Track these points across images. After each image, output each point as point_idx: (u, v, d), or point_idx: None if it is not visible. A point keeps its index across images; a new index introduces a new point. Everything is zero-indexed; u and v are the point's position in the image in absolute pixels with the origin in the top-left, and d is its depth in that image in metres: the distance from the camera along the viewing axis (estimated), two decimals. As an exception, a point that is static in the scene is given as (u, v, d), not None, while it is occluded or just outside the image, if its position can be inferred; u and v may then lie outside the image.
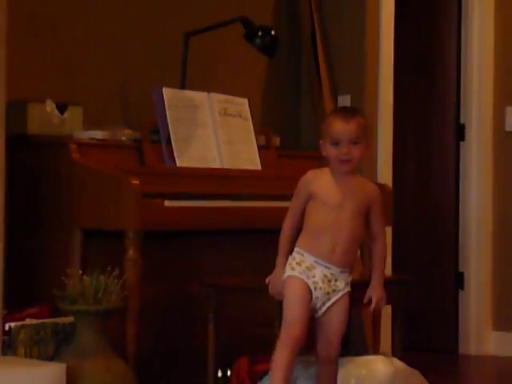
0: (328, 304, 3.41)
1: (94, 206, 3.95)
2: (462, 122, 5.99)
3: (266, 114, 5.27)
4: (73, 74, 4.52)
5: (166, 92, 4.36)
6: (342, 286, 3.41)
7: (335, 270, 3.39)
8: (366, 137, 3.43)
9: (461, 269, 5.95)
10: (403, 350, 4.21)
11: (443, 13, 6.08)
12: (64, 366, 3.50)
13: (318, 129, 5.35)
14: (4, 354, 3.64)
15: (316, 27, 5.41)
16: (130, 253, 3.83)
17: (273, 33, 4.74)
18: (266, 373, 4.08)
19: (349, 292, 3.45)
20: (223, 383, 4.21)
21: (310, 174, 3.50)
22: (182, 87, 4.61)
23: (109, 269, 3.70)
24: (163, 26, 4.83)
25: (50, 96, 4.23)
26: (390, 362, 3.94)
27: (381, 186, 5.01)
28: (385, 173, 5.40)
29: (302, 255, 3.39)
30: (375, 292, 3.51)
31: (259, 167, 4.62)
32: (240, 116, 4.64)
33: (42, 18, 4.43)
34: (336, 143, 3.37)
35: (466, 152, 5.95)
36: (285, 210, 4.39)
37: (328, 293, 3.39)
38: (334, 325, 3.45)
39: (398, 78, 5.58)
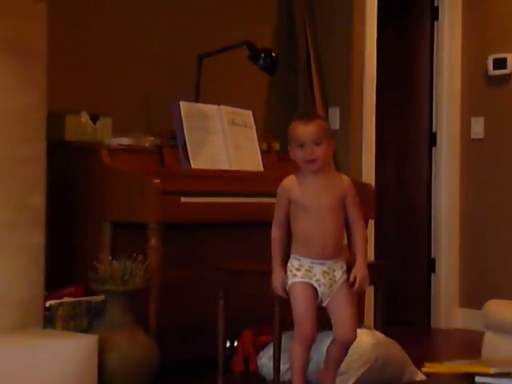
0: (331, 294, 3.25)
1: (121, 202, 3.97)
2: (434, 130, 5.98)
3: (268, 123, 5.28)
4: (104, 90, 4.52)
5: (183, 105, 4.37)
6: (340, 274, 3.26)
7: (330, 262, 3.24)
8: (327, 138, 3.22)
9: (433, 255, 5.95)
10: (383, 324, 4.22)
11: (418, 37, 6.06)
12: (96, 337, 3.52)
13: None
14: (45, 327, 3.65)
15: (310, 49, 5.41)
16: (152, 241, 3.84)
17: (273, 54, 4.74)
18: (267, 343, 4.09)
19: (347, 278, 3.29)
20: (231, 352, 4.22)
21: (286, 182, 3.29)
22: (196, 101, 4.61)
23: (134, 255, 3.72)
24: (181, 50, 4.84)
25: (85, 108, 4.25)
26: (372, 334, 3.95)
27: (365, 185, 5.05)
28: (368, 174, 5.40)
29: (299, 260, 3.23)
30: (359, 273, 3.29)
31: (262, 169, 4.63)
32: (245, 125, 4.65)
33: (78, 42, 4.43)
34: (301, 145, 3.18)
35: (437, 156, 5.95)
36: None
37: (331, 285, 3.24)
38: (342, 309, 3.28)
39: (380, 93, 5.57)
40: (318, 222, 3.21)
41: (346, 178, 3.34)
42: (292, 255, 3.26)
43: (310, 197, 3.21)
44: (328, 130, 3.26)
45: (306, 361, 3.28)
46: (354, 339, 3.31)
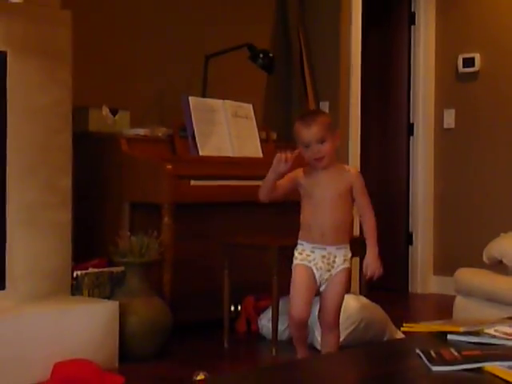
0: (328, 278, 3.08)
1: (138, 185, 3.96)
2: (411, 121, 5.97)
3: (266, 115, 5.27)
4: (122, 86, 4.51)
5: (192, 100, 4.35)
6: (341, 261, 3.07)
7: (330, 248, 3.05)
8: (331, 132, 3.03)
9: (410, 230, 5.95)
10: (367, 290, 4.22)
11: (397, 40, 6.03)
12: (117, 303, 3.52)
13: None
14: (73, 294, 3.65)
15: (303, 51, 5.39)
16: (166, 219, 3.84)
17: (271, 55, 4.73)
18: (266, 307, 4.10)
19: (348, 268, 3.11)
20: (235, 315, 4.23)
21: (301, 171, 3.11)
22: (203, 96, 4.60)
23: (150, 231, 3.72)
24: (190, 51, 4.82)
25: (106, 103, 4.24)
26: (358, 299, 3.96)
27: (351, 169, 5.05)
28: (354, 159, 5.40)
29: (302, 245, 3.08)
30: (370, 262, 3.09)
31: (261, 155, 4.62)
32: (247, 117, 4.64)
33: (100, 44, 4.42)
34: (307, 146, 3.00)
35: (415, 144, 5.94)
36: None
37: (329, 270, 3.06)
38: (330, 295, 3.10)
39: (364, 89, 5.56)
40: (320, 211, 3.04)
41: (353, 170, 3.17)
42: (298, 241, 3.11)
43: (316, 187, 3.05)
44: (330, 125, 3.06)
45: (304, 335, 3.18)
46: (337, 323, 3.16)
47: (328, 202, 3.04)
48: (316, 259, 3.05)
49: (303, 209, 3.09)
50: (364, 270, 3.11)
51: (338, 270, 3.07)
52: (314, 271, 3.05)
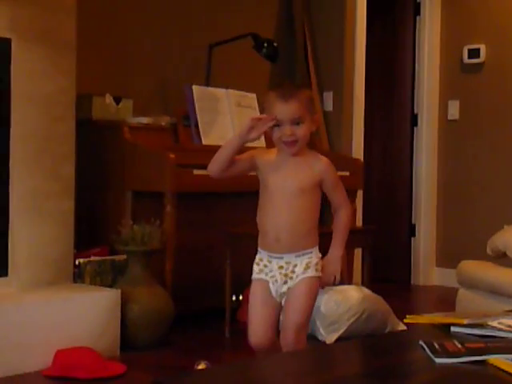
0: (286, 291, 2.53)
1: (141, 174, 3.96)
2: (415, 112, 5.96)
3: (269, 105, 5.26)
4: (126, 75, 4.51)
5: (195, 88, 4.35)
6: (301, 270, 2.50)
7: (289, 256, 2.51)
8: (309, 114, 2.49)
9: (413, 221, 5.95)
10: (370, 281, 4.22)
11: (402, 30, 6.02)
12: (119, 291, 3.53)
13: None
14: (75, 281, 3.66)
15: (307, 40, 5.38)
16: (168, 208, 3.85)
17: (275, 44, 4.71)
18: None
19: (312, 278, 2.52)
20: (236, 305, 4.23)
21: (263, 151, 2.61)
22: (207, 85, 4.59)
23: (152, 220, 3.72)
24: (193, 40, 4.81)
25: (109, 91, 4.23)
26: (360, 290, 3.96)
27: (354, 160, 5.04)
28: (358, 150, 5.39)
29: (260, 253, 2.56)
30: (328, 266, 2.58)
31: (264, 145, 4.61)
32: (250, 107, 4.63)
33: (104, 33, 4.41)
34: (278, 124, 2.45)
35: (418, 134, 5.93)
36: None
37: (285, 282, 2.51)
38: (288, 312, 2.52)
39: (368, 79, 5.55)
40: (276, 208, 2.49)
41: (323, 159, 2.56)
42: (258, 247, 2.59)
43: (274, 175, 2.50)
44: (311, 103, 2.53)
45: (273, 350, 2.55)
46: (294, 347, 2.49)
47: (286, 198, 2.49)
48: (273, 271, 2.53)
49: (259, 204, 2.56)
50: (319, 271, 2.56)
51: (298, 280, 2.51)
52: (270, 285, 2.53)
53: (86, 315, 3.37)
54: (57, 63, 3.52)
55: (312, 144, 5.09)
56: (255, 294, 2.56)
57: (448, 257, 5.74)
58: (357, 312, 3.80)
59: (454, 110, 5.81)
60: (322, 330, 3.76)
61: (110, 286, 3.66)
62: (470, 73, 5.72)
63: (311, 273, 2.52)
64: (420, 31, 5.91)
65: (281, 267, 2.52)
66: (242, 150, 2.54)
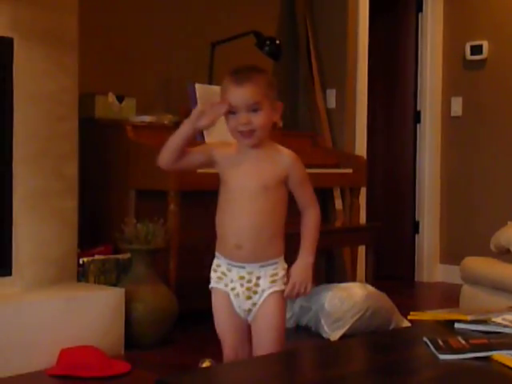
0: (254, 309, 2.22)
1: (144, 172, 3.96)
2: (418, 109, 5.96)
3: (272, 102, 5.25)
4: (128, 73, 4.50)
5: (198, 87, 4.34)
6: (266, 284, 2.20)
7: (252, 267, 2.20)
8: (269, 100, 2.19)
9: (417, 218, 5.95)
10: (374, 278, 4.22)
11: (404, 27, 6.02)
12: (123, 290, 3.53)
13: (311, 115, 5.34)
14: (79, 280, 3.66)
15: (310, 38, 5.38)
16: (172, 207, 3.84)
17: (277, 42, 4.70)
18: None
19: (281, 292, 2.23)
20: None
21: (222, 143, 2.32)
22: (210, 83, 4.59)
23: (156, 218, 3.72)
24: (196, 38, 4.81)
25: (112, 90, 4.23)
26: (364, 287, 3.96)
27: (357, 157, 5.03)
28: (360, 147, 5.38)
29: (218, 259, 2.26)
30: (301, 274, 2.24)
31: (267, 143, 4.61)
32: (253, 105, 4.62)
33: (106, 32, 4.41)
34: (233, 112, 2.18)
35: (421, 131, 5.93)
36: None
37: (249, 297, 2.22)
38: (256, 334, 2.23)
39: (371, 76, 5.54)
40: (236, 209, 2.21)
41: (288, 152, 2.28)
42: (216, 252, 2.30)
43: (233, 171, 2.23)
44: (270, 88, 2.21)
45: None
46: None
47: (247, 197, 2.20)
48: (233, 282, 2.23)
49: (218, 204, 2.28)
50: (285, 280, 2.24)
51: (265, 296, 2.22)
52: (231, 298, 2.24)
53: (90, 314, 3.37)
54: (59, 62, 3.52)
55: (315, 142, 5.12)
56: (219, 304, 2.25)
57: (452, 253, 5.74)
58: (361, 309, 3.80)
59: (456, 106, 5.80)
60: (326, 328, 3.76)
61: (114, 285, 3.66)
62: (473, 69, 5.72)
63: (278, 287, 2.22)
64: (422, 28, 5.91)
65: (242, 278, 2.20)
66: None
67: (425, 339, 1.99)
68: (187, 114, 4.24)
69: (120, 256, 3.78)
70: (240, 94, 2.18)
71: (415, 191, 5.95)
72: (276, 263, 2.24)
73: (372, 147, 5.70)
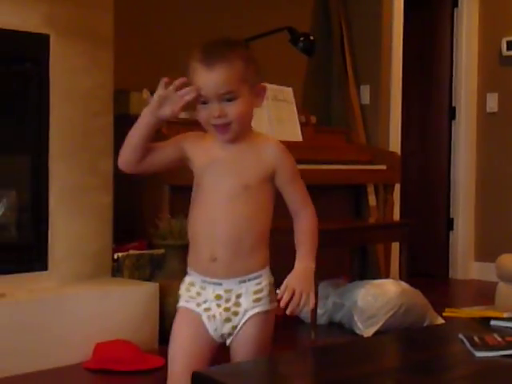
0: (230, 332, 1.87)
1: (178, 168, 3.96)
2: (453, 105, 5.91)
3: (306, 99, 5.24)
4: (163, 70, 4.51)
5: (232, 83, 4.35)
6: (248, 303, 1.84)
7: (230, 283, 1.84)
8: (249, 81, 1.80)
9: (451, 215, 5.90)
10: (408, 275, 4.20)
11: (440, 22, 5.98)
12: (157, 284, 3.55)
13: (344, 110, 5.33)
14: (114, 275, 3.69)
15: (344, 33, 5.36)
16: (205, 202, 3.85)
17: (311, 38, 4.69)
18: (305, 291, 4.10)
19: (265, 313, 1.87)
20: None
21: (195, 136, 1.91)
22: (244, 79, 4.59)
23: (190, 214, 3.73)
24: (230, 34, 4.79)
25: (146, 86, 4.25)
26: (398, 284, 3.94)
27: (392, 154, 5.01)
28: (395, 143, 5.35)
29: (190, 275, 1.91)
30: (301, 283, 1.83)
31: (301, 139, 4.61)
32: (286, 101, 4.62)
33: (141, 30, 4.44)
34: (203, 102, 1.80)
35: (457, 128, 5.88)
36: (319, 171, 4.40)
37: (228, 319, 1.85)
38: (238, 360, 1.88)
39: (406, 71, 5.51)
40: (210, 214, 1.85)
41: (275, 143, 1.89)
42: (187, 267, 1.95)
43: (209, 169, 1.86)
44: (249, 68, 1.83)
45: None
46: None
47: (225, 199, 1.83)
48: (208, 301, 1.86)
49: (191, 207, 1.94)
50: (279, 294, 1.84)
51: (247, 318, 1.86)
52: (205, 321, 1.87)
53: (124, 309, 3.40)
54: (95, 59, 3.55)
55: (348, 138, 5.10)
56: (184, 327, 1.88)
57: (487, 251, 5.69)
58: (395, 306, 3.78)
59: (492, 102, 5.75)
60: (359, 324, 3.75)
61: (148, 280, 3.68)
62: (509, 65, 5.66)
63: (264, 306, 1.86)
64: (458, 23, 5.86)
65: (218, 297, 1.84)
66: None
67: (460, 336, 1.98)
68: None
69: (154, 251, 3.80)
70: (210, 81, 1.77)
71: (450, 188, 5.91)
72: (259, 277, 1.86)
73: (406, 143, 5.67)
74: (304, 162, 4.35)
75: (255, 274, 1.87)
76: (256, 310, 1.86)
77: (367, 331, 3.71)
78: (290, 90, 4.65)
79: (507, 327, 2.13)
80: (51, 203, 3.44)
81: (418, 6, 5.98)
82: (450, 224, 5.90)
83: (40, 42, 3.37)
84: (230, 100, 1.80)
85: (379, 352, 2.05)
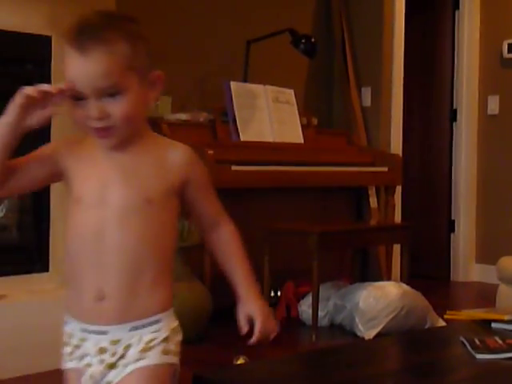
0: None
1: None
2: (454, 107, 5.91)
3: (307, 100, 5.24)
4: (164, 71, 4.51)
5: (233, 85, 4.35)
6: (135, 354, 1.42)
7: (118, 331, 1.42)
8: (138, 70, 1.46)
9: (452, 217, 5.90)
10: (409, 277, 4.20)
11: (441, 25, 5.98)
12: (158, 286, 3.54)
13: (346, 112, 5.32)
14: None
15: (345, 35, 5.35)
16: (207, 204, 3.85)
17: (313, 40, 4.70)
18: (306, 293, 4.10)
19: (162, 366, 1.44)
20: (275, 301, 4.23)
21: (66, 140, 1.54)
22: (245, 81, 4.59)
23: (191, 216, 3.73)
24: (231, 36, 4.81)
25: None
26: (399, 286, 3.94)
27: (393, 156, 5.00)
28: (396, 145, 5.34)
29: (69, 324, 1.51)
30: (257, 310, 1.58)
31: (302, 141, 4.61)
32: (288, 103, 4.62)
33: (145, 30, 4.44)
34: (78, 97, 1.41)
35: (458, 130, 5.88)
36: (320, 173, 4.40)
37: (102, 374, 1.44)
38: None
39: (407, 74, 5.51)
40: (94, 240, 1.42)
41: (183, 149, 1.55)
42: (66, 316, 1.53)
43: (96, 184, 1.44)
44: (139, 50, 1.48)
45: None
46: None
47: (115, 219, 1.43)
48: (90, 355, 1.45)
49: (68, 232, 1.48)
50: (241, 321, 1.60)
51: (128, 371, 1.42)
52: (85, 378, 1.46)
53: (125, 310, 3.39)
54: (96, 60, 3.54)
55: (350, 140, 5.10)
56: None
57: (488, 253, 5.68)
58: (396, 308, 3.78)
59: (493, 104, 5.75)
60: (360, 326, 3.74)
61: (149, 282, 3.67)
62: (510, 67, 5.66)
63: (155, 358, 1.42)
64: (459, 26, 5.86)
65: (102, 350, 1.43)
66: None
67: (461, 338, 1.98)
68: (222, 112, 4.29)
69: (155, 253, 3.79)
70: (85, 71, 1.37)
71: (451, 190, 5.90)
72: (158, 322, 1.45)
73: (408, 146, 5.66)
74: (305, 164, 4.36)
75: (153, 319, 1.44)
76: (141, 364, 1.39)
77: (368, 333, 3.71)
78: (291, 91, 4.66)
79: (508, 330, 2.13)
80: (52, 205, 3.44)
81: (420, 8, 5.98)
82: (451, 226, 5.89)
83: (42, 44, 3.37)
84: (113, 95, 1.39)
85: (380, 354, 2.05)
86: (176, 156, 1.51)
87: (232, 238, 1.60)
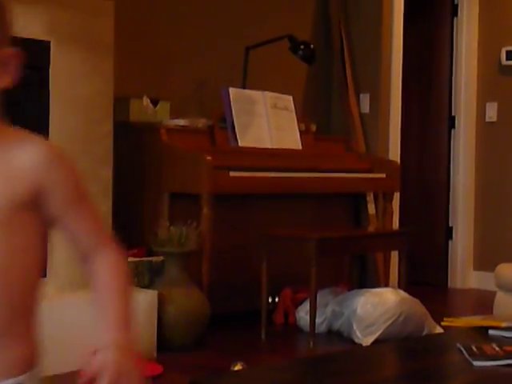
0: None
1: (177, 175, 3.98)
2: (453, 114, 5.92)
3: (306, 107, 5.24)
4: (163, 77, 4.53)
5: (232, 91, 4.36)
6: None
7: None
8: None
9: (450, 224, 5.90)
10: (406, 284, 4.20)
11: (439, 32, 5.99)
12: (156, 292, 3.54)
13: (344, 118, 5.33)
14: (112, 283, 3.67)
15: (344, 42, 5.36)
16: (205, 210, 3.85)
17: (312, 46, 4.71)
18: (304, 299, 4.10)
19: None
20: (273, 307, 4.23)
21: None
22: (243, 87, 4.60)
23: (189, 222, 3.73)
24: (230, 42, 4.82)
25: (146, 93, 4.26)
26: (397, 293, 3.94)
27: (391, 162, 5.01)
28: (394, 152, 5.35)
29: None
30: (112, 358, 1.16)
31: (300, 147, 4.61)
32: (286, 109, 4.63)
33: (142, 36, 4.44)
34: None
35: (456, 137, 5.89)
36: (319, 179, 4.40)
37: None
38: None
39: (405, 80, 5.52)
40: None
41: (40, 148, 1.17)
42: None
43: None
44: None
45: None
46: None
47: None
48: None
49: None
50: (92, 368, 1.20)
51: None
52: None
53: (123, 316, 3.39)
54: (95, 66, 3.55)
55: (348, 146, 5.10)
56: None
57: (486, 260, 5.68)
58: (393, 315, 3.78)
59: (491, 112, 5.75)
60: (358, 333, 3.74)
61: (147, 287, 3.68)
62: (508, 74, 5.67)
63: None
64: (457, 33, 5.87)
65: None
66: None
67: (458, 345, 1.98)
68: (221, 118, 4.30)
69: (153, 259, 3.79)
70: None
71: (449, 196, 5.91)
72: (20, 372, 1.13)
73: (406, 152, 5.67)
74: (303, 171, 4.36)
75: (11, 382, 1.10)
76: None
77: (366, 340, 3.70)
78: (289, 98, 4.66)
79: (505, 337, 2.13)
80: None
81: (418, 15, 6.00)
82: (449, 233, 5.90)
83: (41, 49, 3.38)
84: None
85: (378, 361, 2.05)
86: (26, 155, 1.10)
87: (109, 276, 1.18)
